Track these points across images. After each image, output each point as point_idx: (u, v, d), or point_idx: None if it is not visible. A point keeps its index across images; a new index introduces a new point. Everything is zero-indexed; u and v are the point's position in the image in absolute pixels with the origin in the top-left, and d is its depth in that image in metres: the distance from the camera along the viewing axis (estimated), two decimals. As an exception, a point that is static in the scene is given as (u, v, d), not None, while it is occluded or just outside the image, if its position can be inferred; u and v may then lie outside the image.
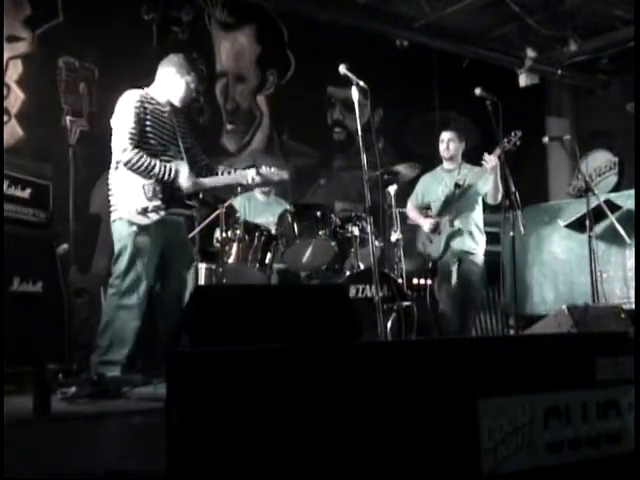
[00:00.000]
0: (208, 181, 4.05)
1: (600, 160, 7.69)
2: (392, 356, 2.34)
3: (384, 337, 3.77)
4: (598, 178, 7.62)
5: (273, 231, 4.74)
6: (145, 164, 3.77)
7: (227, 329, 2.66)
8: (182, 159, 3.96)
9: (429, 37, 7.13)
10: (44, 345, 4.00)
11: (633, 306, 5.01)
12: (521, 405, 2.47)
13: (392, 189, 5.13)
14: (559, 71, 7.75)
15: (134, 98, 3.87)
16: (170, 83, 4.02)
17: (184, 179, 3.85)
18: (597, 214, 5.23)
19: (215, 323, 2.70)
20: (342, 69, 3.91)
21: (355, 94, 3.91)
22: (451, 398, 2.35)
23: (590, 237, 5.09)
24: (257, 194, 5.32)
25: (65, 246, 4.49)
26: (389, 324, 4.39)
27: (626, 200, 5.71)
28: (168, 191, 3.84)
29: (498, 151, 4.88)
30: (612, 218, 5.22)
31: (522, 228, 4.70)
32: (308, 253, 4.72)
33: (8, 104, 5.24)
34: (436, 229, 5.30)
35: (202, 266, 4.54)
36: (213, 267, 4.55)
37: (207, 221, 4.48)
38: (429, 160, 7.61)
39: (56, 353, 4.09)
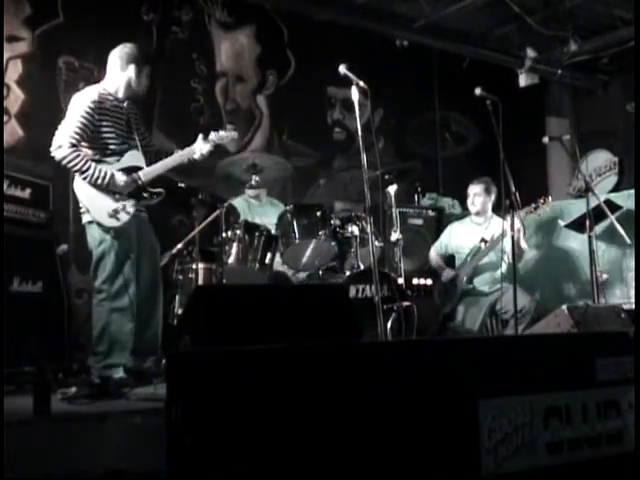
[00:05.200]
0: (159, 165, 3.90)
1: (600, 160, 7.68)
2: (392, 356, 2.35)
3: (384, 337, 3.77)
4: (598, 178, 7.61)
5: (273, 231, 4.73)
6: (80, 164, 3.67)
7: (227, 329, 2.66)
8: (137, 149, 3.91)
9: (429, 37, 7.12)
10: (44, 345, 4.00)
11: (633, 306, 4.99)
12: (521, 405, 2.47)
13: (392, 189, 5.13)
14: (559, 71, 7.74)
15: (90, 98, 3.78)
16: (124, 74, 3.91)
17: (120, 181, 3.73)
18: (597, 214, 5.23)
19: (215, 323, 2.70)
20: (342, 69, 3.91)
21: (355, 94, 3.90)
22: (451, 398, 2.35)
23: (590, 237, 5.09)
24: (250, 197, 5.30)
25: (64, 246, 4.49)
26: (389, 324, 4.39)
27: (626, 200, 5.70)
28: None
29: (522, 214, 4.88)
30: (612, 218, 5.21)
31: (522, 228, 4.70)
32: (308, 253, 4.72)
33: (8, 104, 5.23)
34: (453, 281, 5.34)
35: (202, 266, 4.53)
36: (213, 267, 4.54)
37: (207, 221, 4.48)
38: (429, 159, 7.67)
39: (56, 353, 4.09)
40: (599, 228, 5.45)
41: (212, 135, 4.04)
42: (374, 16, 6.77)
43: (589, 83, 8.27)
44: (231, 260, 4.59)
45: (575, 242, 5.97)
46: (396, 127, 7.42)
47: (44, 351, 3.96)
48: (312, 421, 2.10)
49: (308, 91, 6.72)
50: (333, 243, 4.70)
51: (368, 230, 4.14)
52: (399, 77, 7.12)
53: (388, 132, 7.25)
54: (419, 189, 6.82)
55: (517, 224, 4.69)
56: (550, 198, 5.18)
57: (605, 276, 5.41)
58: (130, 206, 3.75)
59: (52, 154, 3.73)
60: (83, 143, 3.74)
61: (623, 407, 2.72)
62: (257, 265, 4.62)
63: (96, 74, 5.60)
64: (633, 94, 7.02)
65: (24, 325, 3.88)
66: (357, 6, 6.62)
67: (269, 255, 4.68)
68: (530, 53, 7.51)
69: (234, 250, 4.60)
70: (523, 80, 7.64)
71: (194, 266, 4.41)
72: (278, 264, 4.82)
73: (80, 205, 3.79)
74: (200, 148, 4.00)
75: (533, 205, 5.08)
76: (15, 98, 5.29)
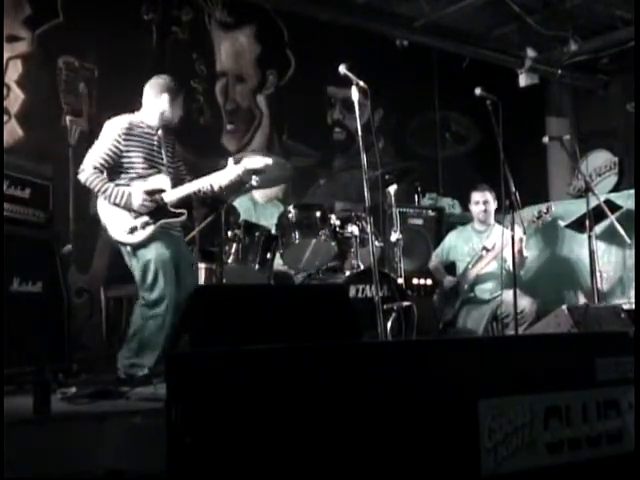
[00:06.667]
0: (183, 187, 4.04)
1: (600, 160, 7.69)
2: (392, 356, 2.35)
3: (384, 337, 3.76)
4: (598, 178, 7.62)
5: (273, 231, 4.73)
6: (99, 186, 3.86)
7: (227, 329, 2.66)
8: (168, 174, 4.06)
9: (429, 37, 7.12)
10: (44, 345, 4.00)
11: (633, 306, 5.00)
12: (521, 405, 2.47)
13: (392, 189, 5.12)
14: (559, 71, 7.75)
15: (119, 125, 3.96)
16: (158, 104, 4.08)
17: (137, 200, 3.87)
18: (597, 214, 5.23)
19: (215, 323, 2.70)
20: (342, 69, 3.91)
21: (355, 94, 3.90)
22: (451, 398, 2.35)
23: (590, 237, 5.09)
24: (257, 197, 5.32)
25: (69, 246, 4.52)
26: (389, 324, 4.38)
27: (626, 200, 5.70)
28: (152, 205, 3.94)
29: (525, 223, 4.84)
30: (612, 218, 5.22)
31: (522, 228, 4.70)
32: (308, 253, 4.72)
33: (8, 104, 5.24)
34: (454, 289, 5.34)
35: (202, 266, 4.53)
36: (213, 267, 4.54)
37: (207, 221, 4.48)
38: (429, 159, 7.67)
39: (56, 353, 4.09)
40: (599, 228, 5.46)
41: (244, 160, 4.07)
42: (374, 16, 6.77)
43: (589, 83, 8.27)
44: (231, 260, 4.59)
45: (575, 244, 5.97)
46: (396, 127, 7.43)
47: (44, 351, 3.96)
48: (312, 421, 2.10)
49: (308, 91, 6.72)
50: (333, 243, 4.70)
51: (368, 230, 4.14)
52: (399, 77, 7.12)
53: (388, 132, 7.26)
54: (419, 189, 6.81)
55: (519, 233, 4.69)
56: (553, 207, 5.18)
57: (605, 275, 5.42)
58: (147, 224, 3.88)
59: (78, 177, 3.95)
60: (109, 167, 3.92)
61: (623, 407, 2.72)
62: (257, 265, 4.62)
63: (96, 74, 5.64)
64: (633, 94, 7.02)
65: (24, 325, 3.87)
66: (357, 6, 6.63)
67: (269, 255, 4.68)
68: (530, 53, 7.52)
69: (234, 250, 4.60)
70: (523, 80, 7.64)
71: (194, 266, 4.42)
72: (278, 264, 4.82)
73: (103, 224, 3.95)
74: (229, 173, 4.05)
75: (536, 214, 5.08)
76: (15, 98, 5.29)
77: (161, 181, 4.01)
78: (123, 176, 3.96)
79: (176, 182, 4.07)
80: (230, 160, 4.11)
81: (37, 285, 4.09)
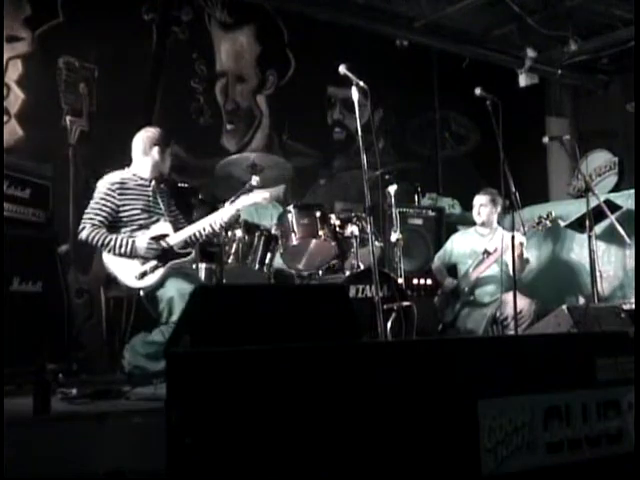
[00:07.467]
0: (186, 230, 4.09)
1: (600, 160, 7.69)
2: (392, 356, 2.35)
3: (384, 337, 3.76)
4: (598, 178, 7.62)
5: (273, 231, 4.73)
6: (101, 240, 3.93)
7: (227, 329, 2.66)
8: (168, 221, 4.12)
9: (429, 37, 7.12)
10: (44, 345, 4.00)
11: (633, 306, 5.00)
12: (521, 405, 2.47)
13: (392, 189, 5.13)
14: (559, 71, 7.75)
15: (110, 181, 4.05)
16: (149, 157, 4.15)
17: (141, 245, 3.93)
18: (597, 214, 5.23)
19: (215, 323, 2.70)
20: (342, 69, 3.92)
21: (355, 94, 3.91)
22: (451, 398, 2.35)
23: (590, 237, 5.09)
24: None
25: (65, 247, 4.51)
26: (389, 324, 4.39)
27: (626, 200, 5.70)
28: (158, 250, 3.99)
29: (526, 228, 4.88)
30: (612, 218, 5.22)
31: (522, 228, 4.71)
32: (308, 253, 4.72)
33: (8, 104, 5.23)
34: (455, 291, 5.34)
35: (202, 266, 4.53)
36: (213, 267, 4.55)
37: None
38: (429, 159, 7.67)
39: (56, 353, 4.09)
40: (599, 228, 5.46)
41: (241, 198, 4.16)
42: (374, 16, 6.76)
43: (589, 83, 8.27)
44: (231, 260, 4.59)
45: (575, 244, 5.97)
46: (396, 127, 7.42)
47: (44, 351, 3.95)
48: (312, 421, 2.10)
49: (308, 91, 6.72)
50: (333, 243, 4.70)
51: (368, 230, 4.14)
52: (399, 77, 7.12)
53: (388, 132, 7.26)
54: (419, 189, 6.81)
55: (520, 237, 4.70)
56: (554, 213, 5.19)
57: (605, 275, 5.42)
58: (156, 268, 3.93)
59: (78, 237, 4.01)
60: (108, 224, 3.99)
61: (623, 407, 2.72)
62: (257, 265, 4.62)
63: (96, 74, 5.64)
64: (633, 94, 7.02)
65: (24, 325, 3.88)
66: (357, 6, 6.62)
67: (269, 255, 4.68)
68: (530, 53, 7.50)
69: (234, 250, 4.60)
70: (523, 80, 7.63)
71: (194, 266, 4.42)
72: (278, 264, 4.82)
73: (112, 276, 4.00)
74: (227, 212, 4.12)
75: (536, 220, 5.09)
76: (15, 98, 5.29)
77: (163, 227, 4.08)
78: (124, 230, 4.02)
79: (176, 230, 4.12)
80: (227, 203, 4.17)
81: (37, 285, 4.09)
